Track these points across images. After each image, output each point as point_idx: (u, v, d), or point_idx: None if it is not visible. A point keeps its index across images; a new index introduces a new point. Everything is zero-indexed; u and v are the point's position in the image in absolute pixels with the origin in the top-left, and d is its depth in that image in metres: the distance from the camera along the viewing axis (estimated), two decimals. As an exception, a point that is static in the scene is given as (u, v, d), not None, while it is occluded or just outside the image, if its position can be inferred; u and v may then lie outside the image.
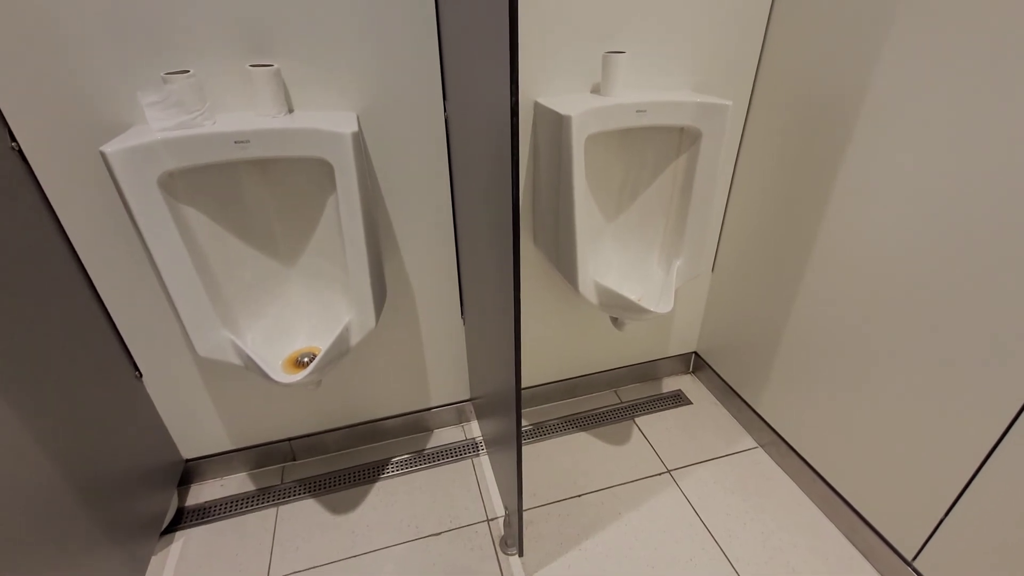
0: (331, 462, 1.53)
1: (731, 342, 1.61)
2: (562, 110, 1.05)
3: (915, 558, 1.12)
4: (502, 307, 0.92)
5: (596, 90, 1.22)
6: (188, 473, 1.45)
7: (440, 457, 1.54)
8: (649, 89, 1.25)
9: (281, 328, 1.19)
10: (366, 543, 1.30)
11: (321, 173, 1.05)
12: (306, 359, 1.17)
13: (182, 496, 1.43)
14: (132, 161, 0.88)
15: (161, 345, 1.24)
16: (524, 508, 1.38)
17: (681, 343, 1.78)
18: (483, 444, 1.57)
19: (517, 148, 0.70)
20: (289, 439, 1.50)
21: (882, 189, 1.05)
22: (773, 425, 1.48)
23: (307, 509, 1.39)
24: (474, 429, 1.64)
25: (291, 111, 1.06)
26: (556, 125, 1.08)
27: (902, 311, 1.05)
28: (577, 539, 1.30)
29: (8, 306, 0.89)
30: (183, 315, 0.99)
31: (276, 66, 0.99)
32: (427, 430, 1.63)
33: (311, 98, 1.07)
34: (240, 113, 1.04)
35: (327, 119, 1.01)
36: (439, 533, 1.32)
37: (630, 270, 1.38)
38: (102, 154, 0.86)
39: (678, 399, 1.74)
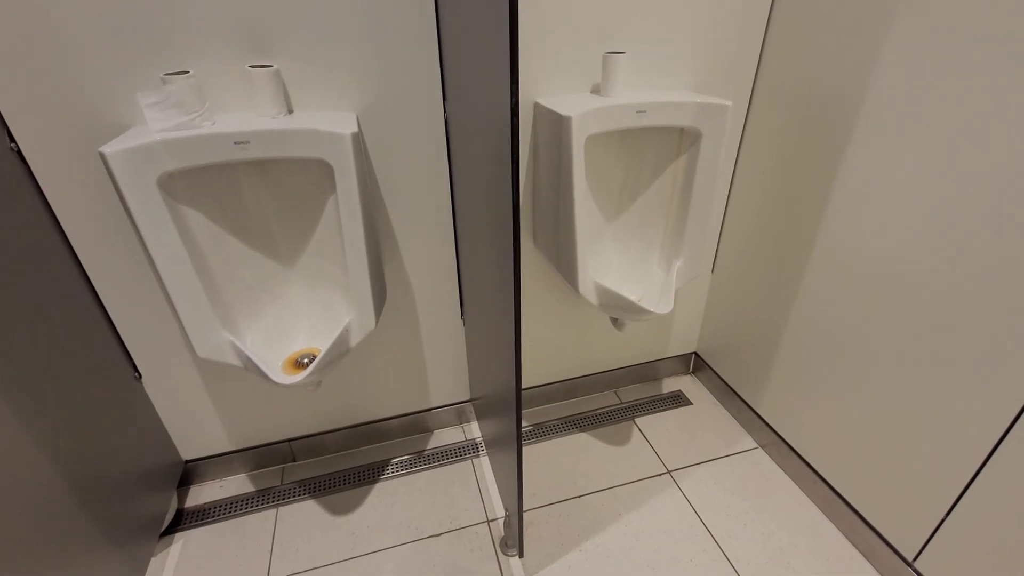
0: (331, 463, 1.53)
1: (731, 342, 1.61)
2: (562, 110, 1.05)
3: (916, 558, 1.12)
4: (502, 307, 0.92)
5: (596, 90, 1.22)
6: (188, 474, 1.45)
7: (440, 458, 1.54)
8: (649, 89, 1.25)
9: (281, 329, 1.19)
10: (366, 544, 1.30)
11: (321, 174, 1.05)
12: (306, 360, 1.17)
13: (182, 497, 1.43)
14: (131, 162, 0.88)
15: (160, 346, 1.24)
16: (524, 509, 1.37)
17: (681, 343, 1.78)
18: (483, 445, 1.57)
19: (517, 148, 0.69)
20: (289, 440, 1.49)
21: (882, 189, 1.05)
22: (773, 425, 1.48)
23: (307, 510, 1.39)
24: (474, 430, 1.63)
25: (291, 112, 1.06)
26: (556, 125, 1.08)
27: (902, 311, 1.05)
28: (577, 540, 1.30)
29: (8, 307, 0.89)
30: (182, 316, 0.99)
31: (276, 66, 0.99)
32: (427, 431, 1.63)
33: (311, 98, 1.07)
34: (240, 114, 1.03)
35: (327, 120, 1.01)
36: (439, 534, 1.32)
37: (630, 270, 1.38)
38: (101, 155, 0.85)
39: (678, 400, 1.74)
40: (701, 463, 1.50)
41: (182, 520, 1.37)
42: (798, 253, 1.28)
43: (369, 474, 1.49)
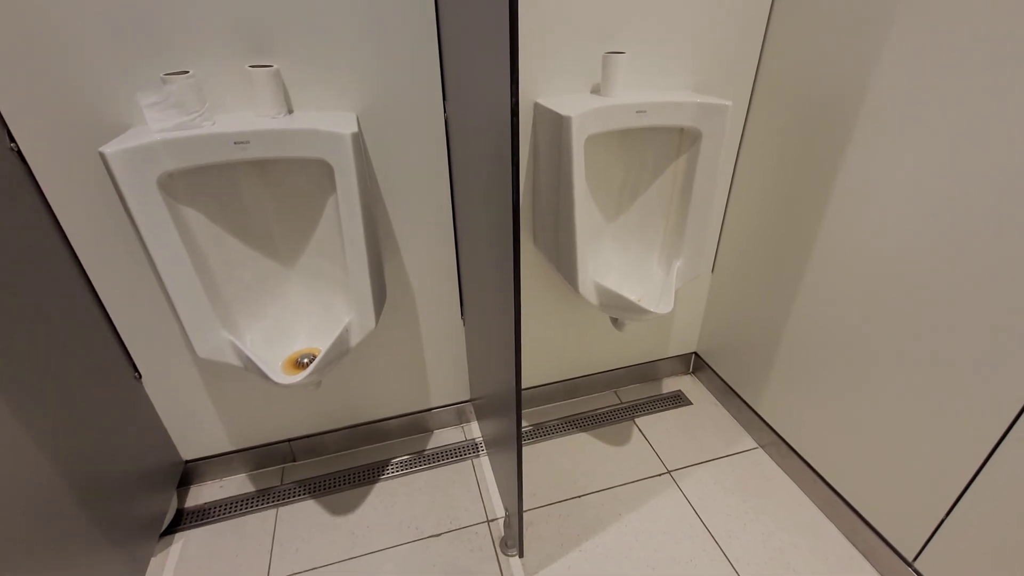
0: (331, 463, 1.53)
1: (731, 342, 1.61)
2: (562, 110, 1.05)
3: (916, 559, 1.12)
4: (502, 307, 0.92)
5: (596, 90, 1.22)
6: (188, 474, 1.45)
7: (440, 458, 1.54)
8: (649, 89, 1.25)
9: (281, 329, 1.19)
10: (366, 544, 1.30)
11: (321, 174, 1.05)
12: (306, 360, 1.17)
13: (182, 497, 1.43)
14: (131, 162, 0.88)
15: (160, 346, 1.24)
16: (524, 509, 1.37)
17: (681, 344, 1.77)
18: (483, 445, 1.57)
19: (517, 148, 0.69)
20: (289, 440, 1.49)
21: (882, 189, 1.05)
22: (773, 425, 1.48)
23: (307, 510, 1.39)
24: (474, 430, 1.63)
25: (291, 112, 1.06)
26: (556, 125, 1.08)
27: (902, 311, 1.05)
28: (577, 540, 1.30)
29: (7, 307, 0.89)
30: (182, 316, 0.99)
31: (276, 66, 0.99)
32: (427, 431, 1.63)
33: (311, 98, 1.07)
34: (240, 114, 1.03)
35: (327, 120, 1.01)
36: (439, 534, 1.32)
37: (630, 271, 1.38)
38: (101, 155, 0.85)
39: (678, 400, 1.74)
40: (701, 463, 1.50)
41: (182, 520, 1.37)
42: (798, 253, 1.28)
43: (369, 474, 1.49)
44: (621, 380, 1.77)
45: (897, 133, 1.01)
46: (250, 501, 1.42)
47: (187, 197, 0.99)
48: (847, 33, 1.07)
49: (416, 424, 1.60)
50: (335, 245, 1.13)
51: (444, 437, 1.61)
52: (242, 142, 0.94)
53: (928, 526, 1.08)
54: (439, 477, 1.47)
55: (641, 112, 1.13)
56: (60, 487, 0.95)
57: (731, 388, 1.64)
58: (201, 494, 1.44)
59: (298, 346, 1.20)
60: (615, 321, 1.40)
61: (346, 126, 0.96)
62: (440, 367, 1.52)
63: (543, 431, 1.62)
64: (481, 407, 1.51)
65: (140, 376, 1.26)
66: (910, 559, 1.13)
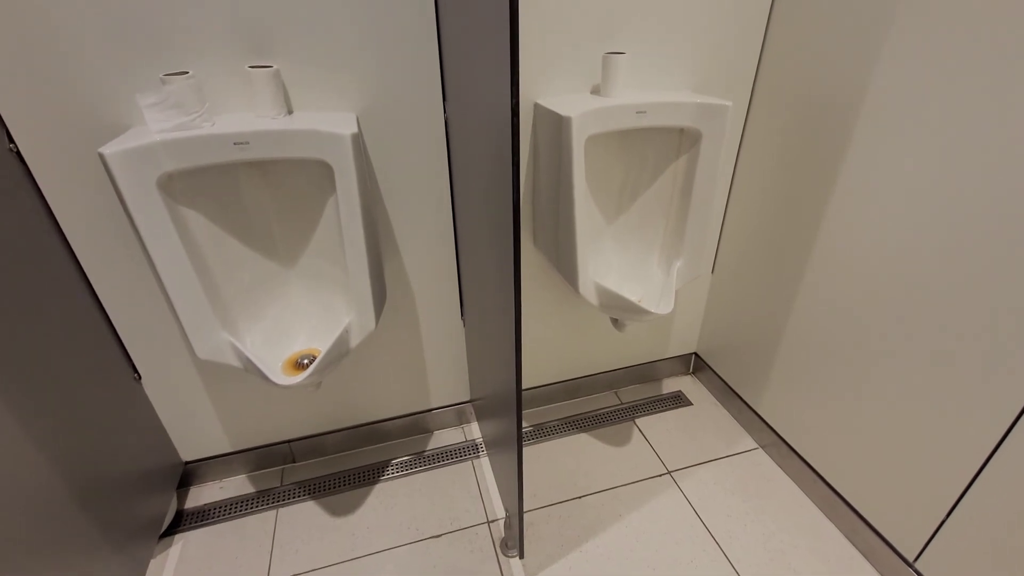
0: (331, 464, 1.53)
1: (731, 343, 1.61)
2: (562, 111, 1.05)
3: (916, 559, 1.12)
4: (502, 308, 0.92)
5: (596, 91, 1.22)
6: (187, 475, 1.45)
7: (440, 459, 1.53)
8: (649, 90, 1.25)
9: (281, 330, 1.19)
10: (366, 545, 1.30)
11: (321, 174, 1.05)
12: (306, 361, 1.17)
13: (181, 498, 1.43)
14: (131, 163, 0.88)
15: (160, 347, 1.24)
16: (525, 510, 1.37)
17: (681, 344, 1.77)
18: (483, 445, 1.57)
19: (517, 149, 0.69)
20: (289, 441, 1.49)
21: (882, 189, 1.05)
22: (773, 426, 1.48)
23: (307, 511, 1.39)
24: (474, 431, 1.63)
25: (291, 112, 1.06)
26: (556, 126, 1.08)
27: (902, 311, 1.05)
28: (578, 541, 1.30)
29: (7, 308, 0.89)
30: (182, 317, 0.99)
31: (275, 67, 0.99)
32: (427, 432, 1.62)
33: (311, 99, 1.07)
34: (239, 114, 1.03)
35: (327, 120, 1.01)
36: (439, 535, 1.32)
37: (630, 271, 1.38)
38: (101, 156, 0.85)
39: (678, 400, 1.73)
40: (701, 463, 1.50)
41: (182, 521, 1.37)
42: (798, 253, 1.28)
43: (369, 475, 1.49)
44: (621, 380, 1.77)
45: (897, 133, 1.01)
46: (250, 502, 1.42)
47: (187, 198, 0.99)
48: (847, 33, 1.07)
49: (416, 425, 1.60)
50: (335, 246, 1.12)
51: (444, 438, 1.61)
52: (242, 143, 0.94)
53: (929, 526, 1.08)
54: (439, 478, 1.47)
55: (641, 112, 1.13)
56: (60, 488, 0.95)
57: (731, 388, 1.64)
58: (201, 495, 1.44)
59: (298, 347, 1.20)
60: (615, 322, 1.40)
61: (346, 127, 0.96)
62: (440, 368, 1.52)
63: (543, 432, 1.62)
64: (481, 408, 1.51)
65: (140, 377, 1.26)
66: (911, 559, 1.13)
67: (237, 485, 1.47)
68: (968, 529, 1.01)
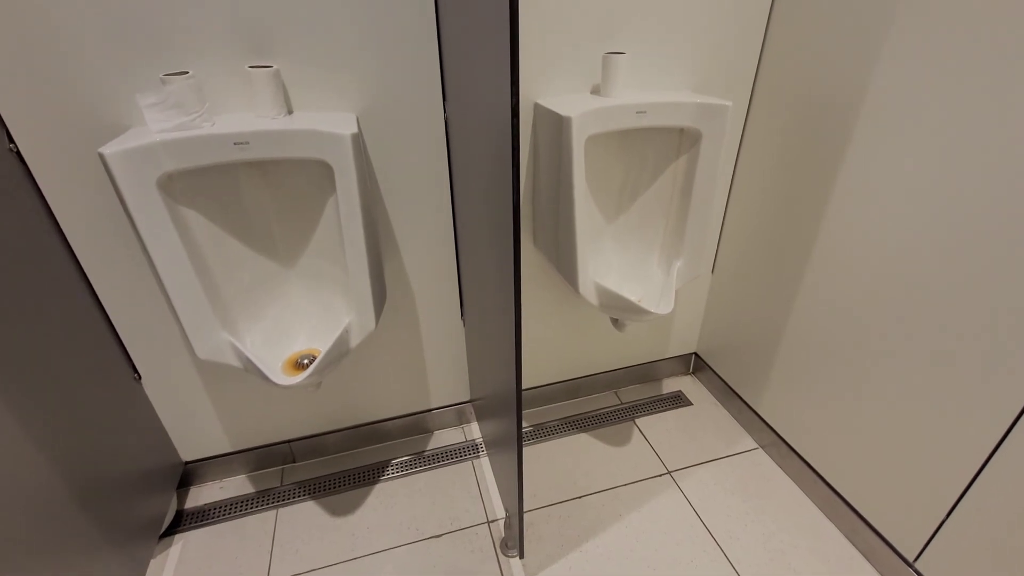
0: (331, 464, 1.53)
1: (731, 343, 1.61)
2: (562, 111, 1.05)
3: (917, 559, 1.12)
4: (503, 308, 0.92)
5: (596, 91, 1.22)
6: (187, 475, 1.45)
7: (440, 459, 1.53)
8: (649, 90, 1.25)
9: (281, 330, 1.19)
10: (366, 545, 1.30)
11: (321, 174, 1.05)
12: (306, 361, 1.17)
13: (181, 498, 1.43)
14: (131, 163, 0.87)
15: (160, 347, 1.24)
16: (525, 510, 1.37)
17: (681, 344, 1.77)
18: (483, 446, 1.57)
19: (518, 149, 0.69)
20: (289, 441, 1.49)
21: (882, 189, 1.05)
22: (773, 426, 1.48)
23: (307, 511, 1.39)
24: (474, 431, 1.63)
25: (291, 112, 1.06)
26: (556, 126, 1.08)
27: (902, 311, 1.05)
28: (578, 541, 1.30)
29: (7, 308, 0.89)
30: (182, 317, 0.99)
31: (275, 67, 0.99)
32: (427, 432, 1.62)
33: (311, 99, 1.07)
34: (239, 114, 1.03)
35: (327, 120, 1.01)
36: (439, 535, 1.32)
37: (630, 271, 1.38)
38: (101, 156, 0.85)
39: (678, 400, 1.73)
40: (701, 463, 1.50)
41: (182, 521, 1.37)
42: (798, 253, 1.28)
43: (369, 475, 1.49)
44: (621, 380, 1.77)
45: (897, 133, 1.01)
46: (250, 502, 1.42)
47: (187, 198, 0.99)
48: (847, 33, 1.07)
49: (416, 425, 1.60)
50: (335, 246, 1.12)
51: (444, 438, 1.61)
52: (242, 143, 0.94)
53: (929, 526, 1.08)
54: (439, 478, 1.47)
55: (641, 112, 1.13)
56: (60, 488, 0.95)
57: (731, 388, 1.64)
58: (201, 495, 1.44)
59: (298, 347, 1.20)
60: (615, 322, 1.40)
61: (346, 127, 0.96)
62: (440, 368, 1.52)
63: (543, 432, 1.62)
64: (481, 408, 1.51)
65: (140, 377, 1.26)
66: (911, 559, 1.13)
67: (237, 485, 1.47)
68: (968, 529, 1.01)
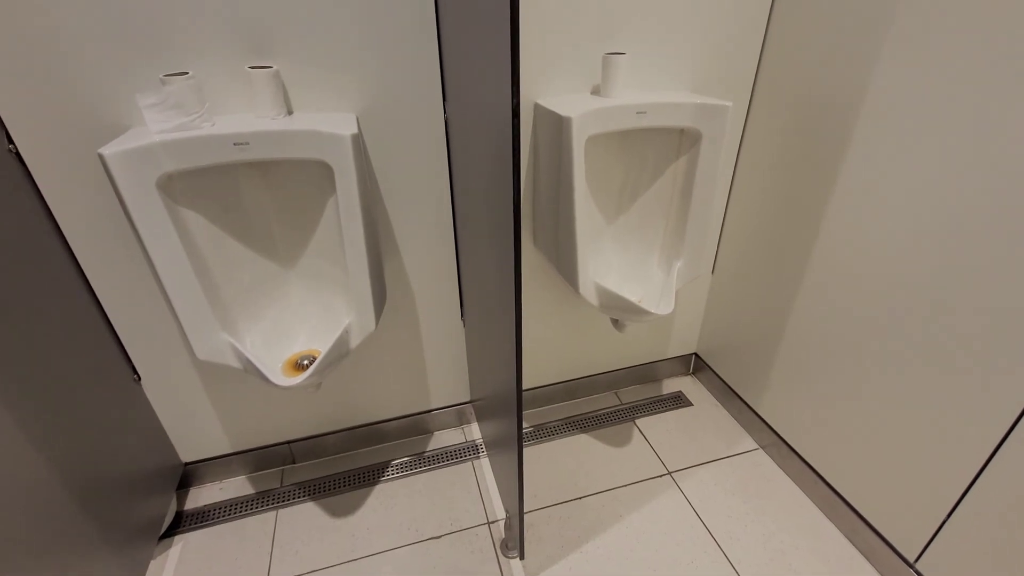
0: (331, 465, 1.53)
1: (731, 343, 1.61)
2: (562, 111, 1.05)
3: (917, 559, 1.12)
4: (503, 308, 0.91)
5: (596, 91, 1.22)
6: (187, 476, 1.45)
7: (440, 459, 1.53)
8: (649, 90, 1.25)
9: (280, 330, 1.19)
10: (366, 546, 1.29)
11: (321, 175, 1.05)
12: (306, 362, 1.17)
13: (181, 499, 1.42)
14: (130, 163, 0.87)
15: (160, 348, 1.23)
16: (525, 510, 1.37)
17: (681, 344, 1.77)
18: (483, 446, 1.57)
19: (518, 149, 0.69)
20: (288, 442, 1.49)
21: (882, 190, 1.05)
22: (774, 426, 1.48)
23: (307, 512, 1.39)
24: (474, 431, 1.63)
25: (291, 113, 1.06)
26: (556, 126, 1.08)
27: (903, 311, 1.05)
28: (578, 541, 1.29)
29: (7, 308, 0.89)
30: (182, 318, 0.99)
31: (275, 68, 0.99)
32: (427, 432, 1.62)
33: (311, 100, 1.07)
34: (239, 115, 1.03)
35: (327, 121, 1.01)
36: (439, 536, 1.32)
37: (630, 271, 1.38)
38: (100, 156, 0.85)
39: (678, 400, 1.73)
40: (702, 464, 1.49)
41: (181, 522, 1.36)
42: (798, 254, 1.28)
43: (369, 476, 1.48)
44: (621, 381, 1.77)
45: (897, 133, 1.01)
46: (250, 503, 1.41)
47: (186, 198, 0.99)
48: (847, 33, 1.07)
49: (416, 426, 1.59)
50: (335, 246, 1.12)
51: (444, 439, 1.61)
52: (242, 143, 0.94)
53: (930, 527, 1.08)
54: (439, 479, 1.47)
55: (641, 113, 1.13)
56: (59, 489, 0.95)
57: (731, 389, 1.64)
58: (200, 496, 1.44)
59: (298, 348, 1.20)
60: (615, 322, 1.40)
61: (346, 127, 0.96)
62: (440, 368, 1.52)
63: (543, 432, 1.62)
64: (481, 408, 1.50)
65: (139, 378, 1.26)
66: (912, 560, 1.13)
67: (237, 486, 1.46)
68: (969, 529, 1.01)
